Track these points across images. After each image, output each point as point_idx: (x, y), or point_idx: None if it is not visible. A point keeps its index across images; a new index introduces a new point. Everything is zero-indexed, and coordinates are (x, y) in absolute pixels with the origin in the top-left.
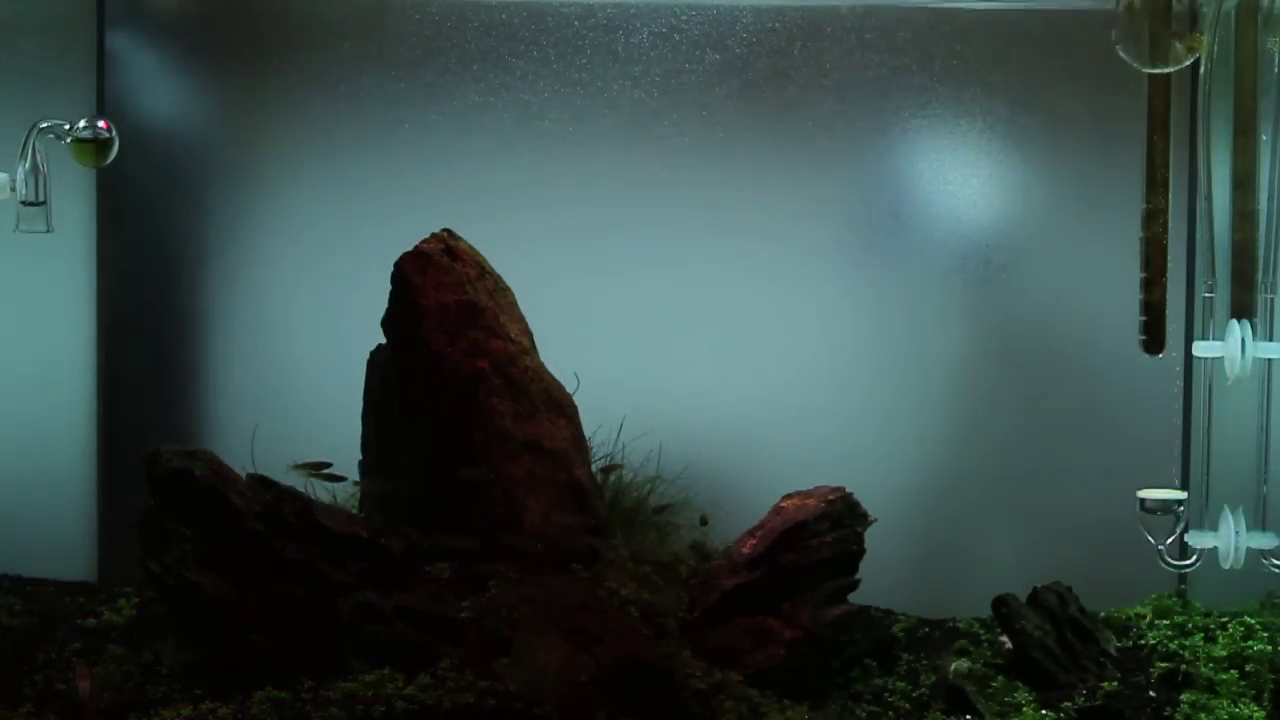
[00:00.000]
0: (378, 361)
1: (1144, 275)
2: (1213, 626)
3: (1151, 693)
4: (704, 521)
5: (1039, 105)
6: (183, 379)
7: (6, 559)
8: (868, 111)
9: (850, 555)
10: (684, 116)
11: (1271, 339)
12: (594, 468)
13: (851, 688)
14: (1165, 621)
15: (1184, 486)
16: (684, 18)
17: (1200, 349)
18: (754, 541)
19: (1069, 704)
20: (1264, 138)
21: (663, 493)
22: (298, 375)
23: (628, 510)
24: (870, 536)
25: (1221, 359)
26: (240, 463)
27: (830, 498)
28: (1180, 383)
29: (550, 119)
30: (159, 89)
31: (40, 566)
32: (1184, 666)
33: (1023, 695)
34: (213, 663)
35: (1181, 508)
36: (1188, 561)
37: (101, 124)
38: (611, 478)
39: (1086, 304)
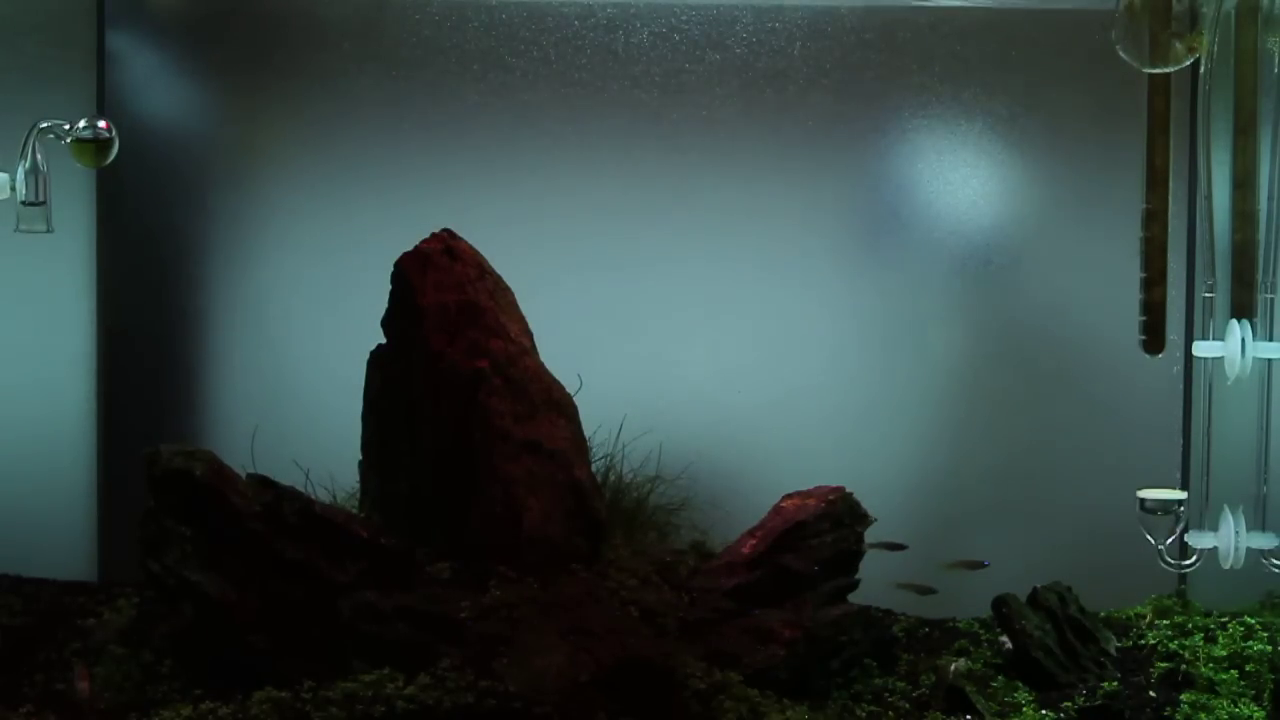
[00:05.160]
0: (378, 361)
1: (1144, 275)
2: (1213, 626)
3: (1151, 693)
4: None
5: (1039, 105)
6: (183, 379)
7: (6, 559)
8: (868, 112)
9: (850, 555)
10: (684, 116)
11: (1271, 339)
12: (593, 467)
13: (851, 688)
14: (1165, 621)
15: (1184, 486)
16: (684, 18)
17: (1200, 349)
18: (754, 541)
19: (1069, 704)
20: (1264, 138)
21: (663, 492)
22: (298, 375)
23: (628, 510)
24: (870, 536)
25: (1221, 359)
26: (240, 463)
27: (830, 498)
28: (1180, 383)
29: (550, 119)
30: (159, 89)
31: (40, 566)
32: (1184, 666)
33: (1023, 695)
34: (213, 663)
35: (1181, 508)
36: (1188, 561)
37: (101, 124)
38: (613, 478)
39: (1086, 304)
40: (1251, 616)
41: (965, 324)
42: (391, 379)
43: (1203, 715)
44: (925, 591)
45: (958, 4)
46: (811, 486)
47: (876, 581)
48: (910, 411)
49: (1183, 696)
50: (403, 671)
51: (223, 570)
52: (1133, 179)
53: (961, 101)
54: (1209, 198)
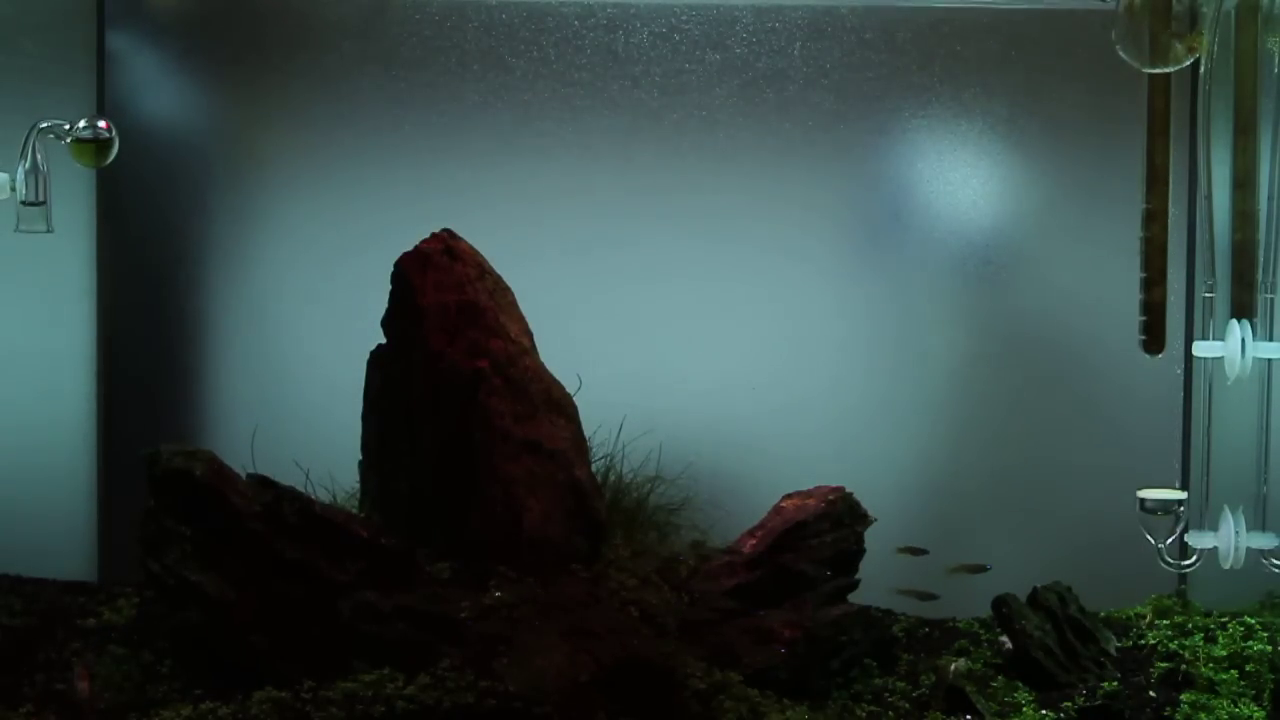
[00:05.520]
0: (378, 361)
1: (1144, 275)
2: (1213, 626)
3: (1151, 693)
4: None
5: (1039, 105)
6: (183, 379)
7: (6, 559)
8: (868, 111)
9: (850, 555)
10: (684, 117)
11: (1271, 339)
12: (593, 468)
13: (851, 688)
14: (1165, 621)
15: (1184, 486)
16: (684, 18)
17: (1200, 349)
18: (754, 541)
19: (1069, 704)
20: (1264, 138)
21: (663, 492)
22: (298, 375)
23: (628, 510)
24: (870, 536)
25: (1221, 359)
26: (240, 463)
27: (830, 498)
28: (1180, 383)
29: (550, 119)
30: (159, 89)
31: (40, 566)
32: (1184, 666)
33: (1023, 695)
34: (213, 663)
35: (1181, 508)
36: (1188, 561)
37: (101, 124)
38: (612, 477)
39: (1086, 304)
40: (1251, 616)
41: (965, 323)
42: (391, 379)
43: (1203, 715)
44: (926, 598)
45: (958, 4)
46: (812, 486)
47: (877, 582)
48: (910, 411)
49: (1183, 696)
50: (403, 671)
51: (223, 570)
52: (1132, 179)
53: (961, 101)
54: (1209, 198)
